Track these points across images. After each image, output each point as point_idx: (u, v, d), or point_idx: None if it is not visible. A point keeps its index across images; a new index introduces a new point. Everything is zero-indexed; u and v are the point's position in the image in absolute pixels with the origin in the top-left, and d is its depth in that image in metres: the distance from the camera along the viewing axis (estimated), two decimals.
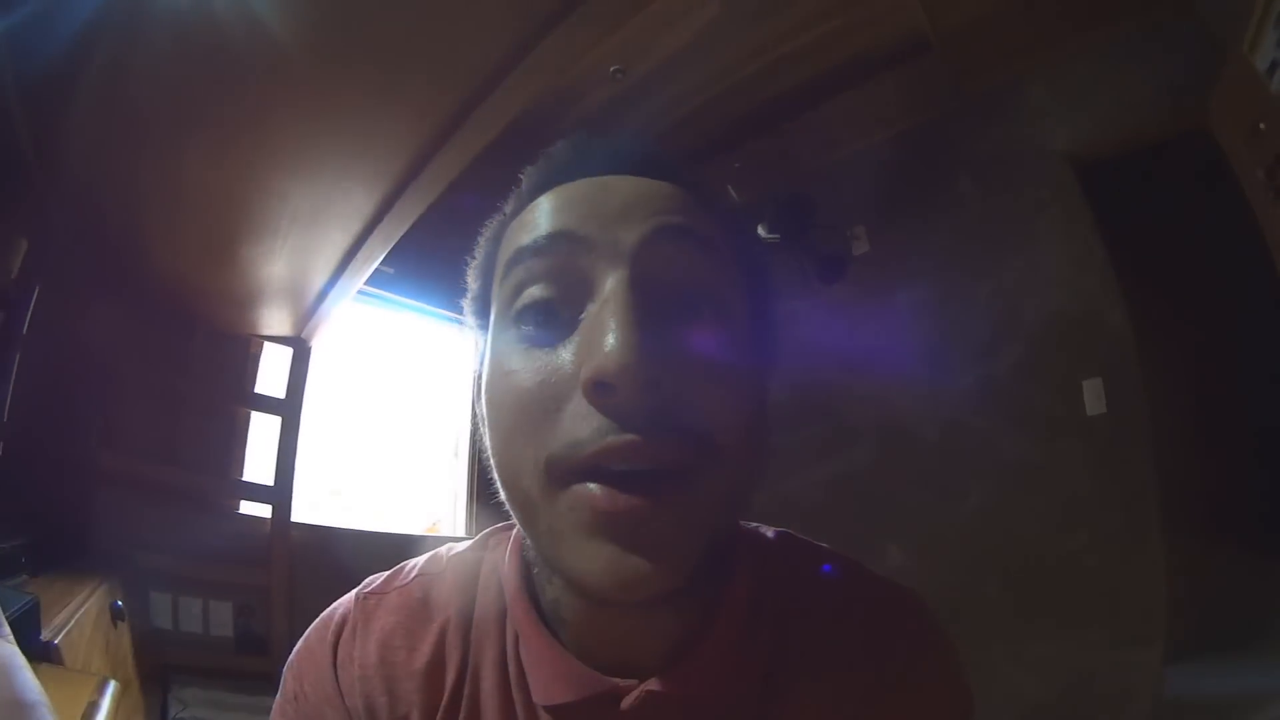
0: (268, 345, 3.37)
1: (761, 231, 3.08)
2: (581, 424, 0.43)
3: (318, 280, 3.05)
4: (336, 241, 2.79)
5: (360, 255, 2.82)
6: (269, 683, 2.77)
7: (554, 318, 0.47)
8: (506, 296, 0.50)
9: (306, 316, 3.27)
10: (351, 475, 3.72)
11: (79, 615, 1.65)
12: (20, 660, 0.64)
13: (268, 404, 3.30)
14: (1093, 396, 2.58)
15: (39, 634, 1.42)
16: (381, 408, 3.90)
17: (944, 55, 2.77)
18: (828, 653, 0.55)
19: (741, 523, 0.60)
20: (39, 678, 1.19)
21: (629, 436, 0.42)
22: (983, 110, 2.92)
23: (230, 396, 3.27)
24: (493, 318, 0.52)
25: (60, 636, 1.47)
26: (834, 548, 0.63)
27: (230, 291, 3.09)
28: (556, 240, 0.48)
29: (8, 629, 0.67)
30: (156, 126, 2.13)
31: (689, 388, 0.44)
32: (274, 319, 3.29)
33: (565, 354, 0.45)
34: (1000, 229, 2.86)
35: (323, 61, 1.97)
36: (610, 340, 0.41)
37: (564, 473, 0.44)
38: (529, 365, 0.46)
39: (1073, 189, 2.69)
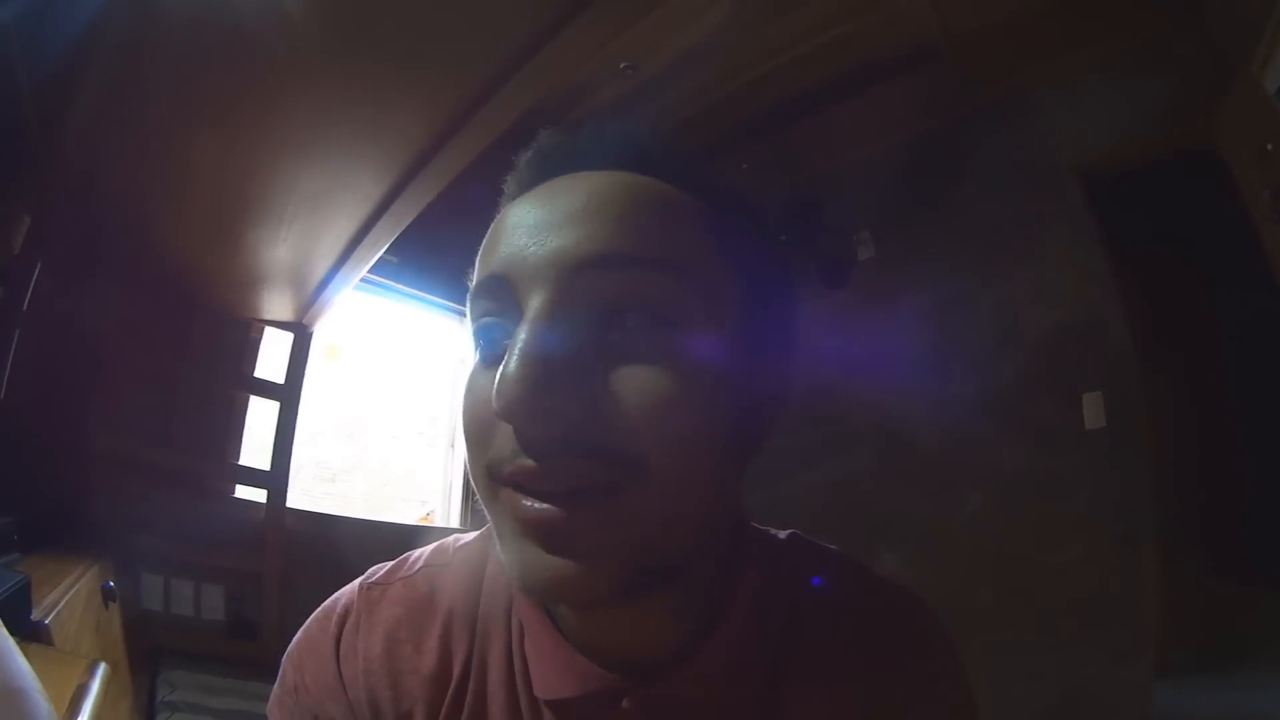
0: (268, 330, 3.37)
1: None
2: (504, 443, 0.43)
3: (321, 266, 3.04)
4: (342, 227, 2.78)
5: (365, 242, 2.82)
6: (259, 668, 2.78)
7: (504, 336, 0.46)
8: (470, 317, 0.50)
9: (309, 302, 3.26)
10: (347, 463, 3.72)
11: (70, 595, 1.65)
12: (9, 644, 0.63)
13: (267, 389, 3.29)
14: (1092, 410, 2.58)
15: (30, 613, 1.41)
16: (379, 397, 3.89)
17: (955, 63, 2.76)
18: (833, 655, 0.55)
19: (752, 524, 0.60)
20: (29, 658, 1.18)
21: (529, 463, 0.42)
22: (991, 119, 2.91)
23: (229, 380, 3.27)
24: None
25: (51, 616, 1.47)
26: (842, 550, 0.62)
27: (232, 274, 3.09)
28: (497, 280, 0.47)
29: None
30: (166, 105, 2.12)
31: (607, 409, 0.42)
32: (275, 304, 3.28)
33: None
34: (1005, 239, 2.85)
35: (339, 47, 1.97)
36: (507, 371, 0.41)
37: (496, 481, 0.45)
38: (482, 382, 0.46)
39: (1079, 201, 2.68)
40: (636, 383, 0.43)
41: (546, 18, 1.97)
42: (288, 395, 3.29)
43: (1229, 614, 2.46)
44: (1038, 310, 2.74)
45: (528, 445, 0.42)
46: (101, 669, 1.37)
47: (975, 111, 2.94)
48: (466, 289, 0.59)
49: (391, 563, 0.64)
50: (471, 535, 0.65)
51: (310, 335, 3.40)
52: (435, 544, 0.65)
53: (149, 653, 2.52)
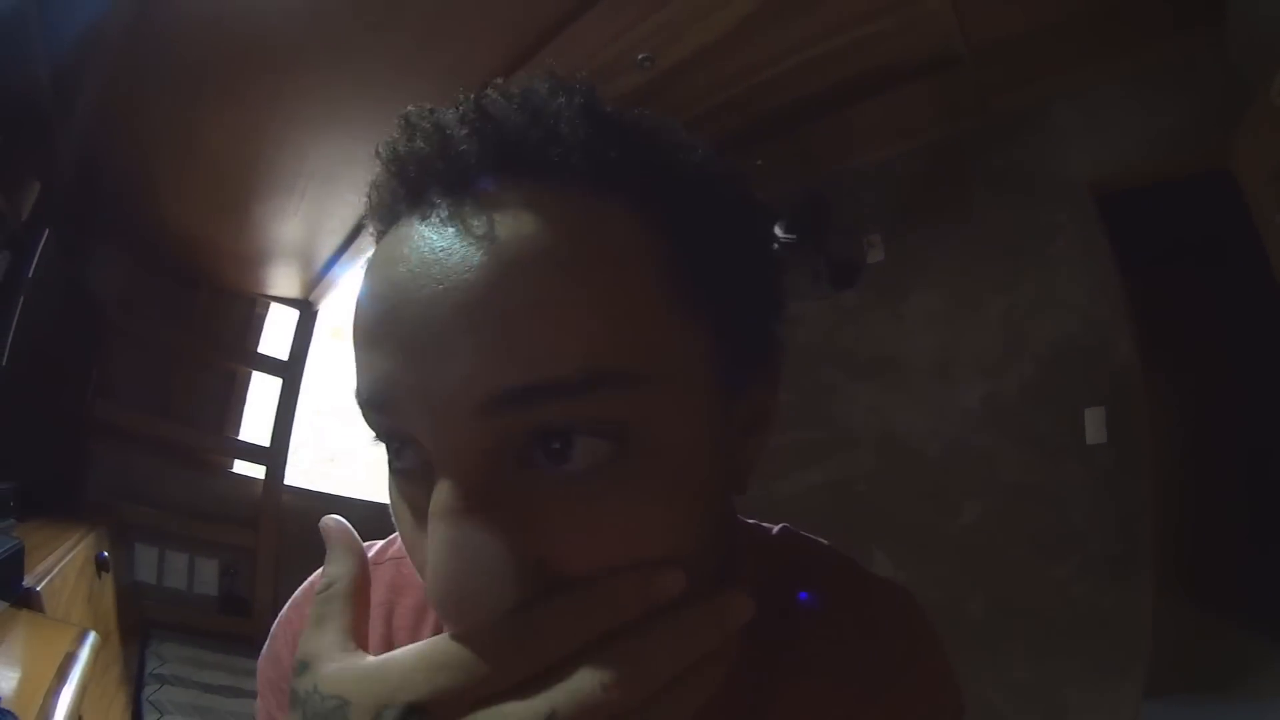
0: (274, 306, 3.37)
1: (778, 231, 3.07)
2: None
3: (330, 242, 3.04)
4: (353, 205, 2.77)
5: None
6: (250, 645, 2.78)
7: (409, 470, 0.37)
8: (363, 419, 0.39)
9: (315, 279, 3.26)
10: (348, 444, 3.72)
11: (64, 563, 1.65)
12: None
13: (269, 365, 3.30)
14: (1094, 425, 2.57)
15: (22, 580, 1.42)
16: None
17: (974, 71, 2.74)
18: (824, 651, 0.54)
19: (742, 520, 0.59)
20: (19, 624, 1.19)
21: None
22: (1008, 129, 2.89)
23: (232, 354, 3.27)
24: None
25: (43, 584, 1.47)
26: (835, 545, 0.61)
27: (239, 248, 3.08)
28: (372, 408, 0.36)
29: None
30: (180, 78, 2.11)
31: (574, 564, 0.33)
32: (282, 280, 3.28)
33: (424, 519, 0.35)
34: (1016, 249, 2.84)
35: (357, 18, 1.96)
36: (431, 579, 0.32)
37: None
38: (403, 504, 0.39)
39: (1091, 216, 2.67)
40: (596, 543, 0.34)
41: (565, 3, 1.96)
42: (290, 372, 3.29)
43: (1222, 635, 2.45)
44: (1044, 322, 2.73)
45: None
46: (91, 638, 1.38)
47: (992, 120, 2.92)
48: None
49: (380, 542, 0.63)
50: None
51: (316, 313, 3.40)
52: None
53: (140, 624, 2.53)
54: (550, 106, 0.37)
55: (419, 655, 0.31)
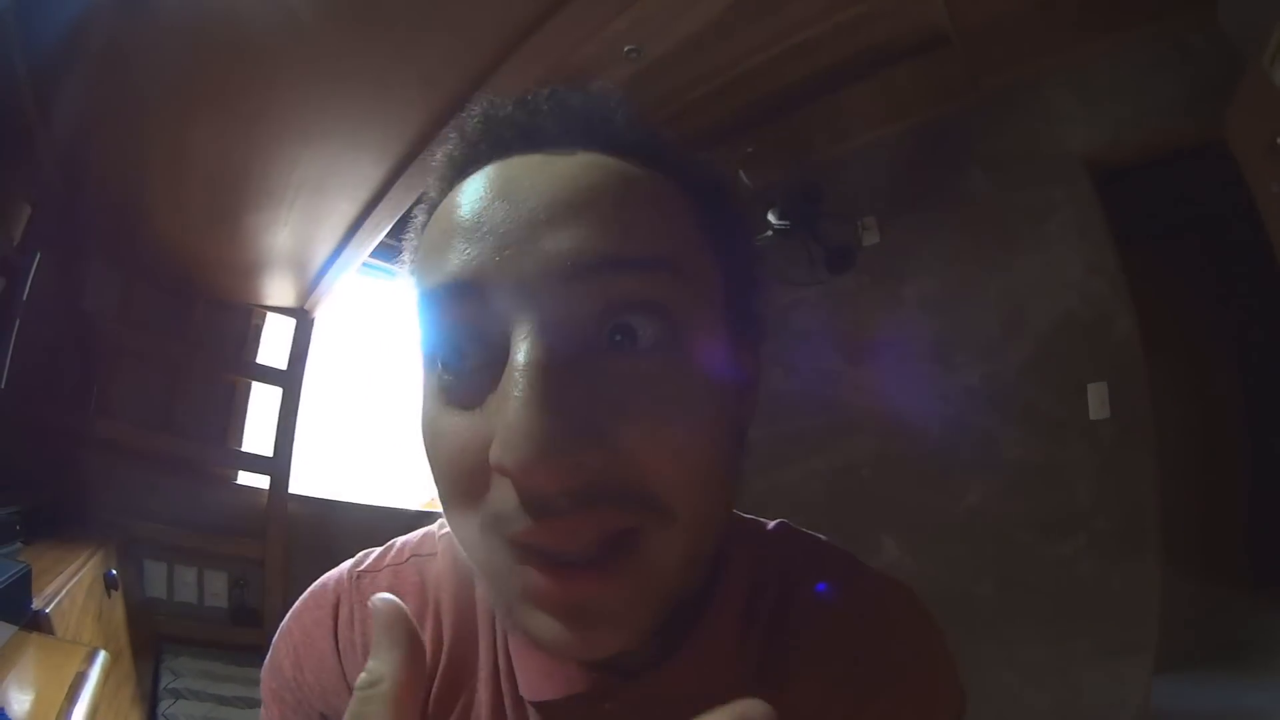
0: (270, 316, 3.37)
1: (772, 218, 3.06)
2: (504, 499, 0.38)
3: (322, 250, 3.03)
4: (343, 211, 2.76)
5: (366, 226, 2.80)
6: (262, 655, 2.78)
7: (471, 368, 0.41)
8: (421, 332, 0.43)
9: (310, 288, 3.25)
10: (351, 449, 3.72)
11: (71, 584, 1.65)
12: None
13: (269, 375, 3.29)
14: (1097, 401, 2.57)
15: (30, 603, 1.42)
16: (383, 382, 3.88)
17: (963, 50, 2.73)
18: (822, 647, 0.54)
19: (739, 514, 0.59)
20: (29, 648, 1.19)
21: (545, 525, 0.37)
22: (1000, 107, 2.88)
23: (231, 366, 3.27)
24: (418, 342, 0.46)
25: (52, 605, 1.47)
26: (832, 540, 0.61)
27: (233, 260, 3.07)
28: (464, 290, 0.40)
29: None
30: (163, 90, 2.11)
31: (626, 447, 0.38)
32: (277, 289, 3.28)
33: (482, 419, 0.39)
34: (1012, 227, 2.83)
35: (336, 28, 1.95)
36: (515, 424, 0.35)
37: (499, 539, 0.40)
38: (450, 427, 0.41)
39: (1087, 191, 2.66)
40: (656, 414, 0.39)
41: None
42: (290, 381, 3.29)
43: (1231, 609, 2.45)
44: (1044, 300, 2.73)
45: (543, 505, 0.37)
46: (101, 657, 1.38)
47: (984, 99, 2.91)
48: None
49: (378, 549, 0.63)
50: None
51: (312, 321, 3.39)
52: (422, 531, 0.63)
53: (152, 640, 2.54)
54: (604, 100, 0.48)
55: None
